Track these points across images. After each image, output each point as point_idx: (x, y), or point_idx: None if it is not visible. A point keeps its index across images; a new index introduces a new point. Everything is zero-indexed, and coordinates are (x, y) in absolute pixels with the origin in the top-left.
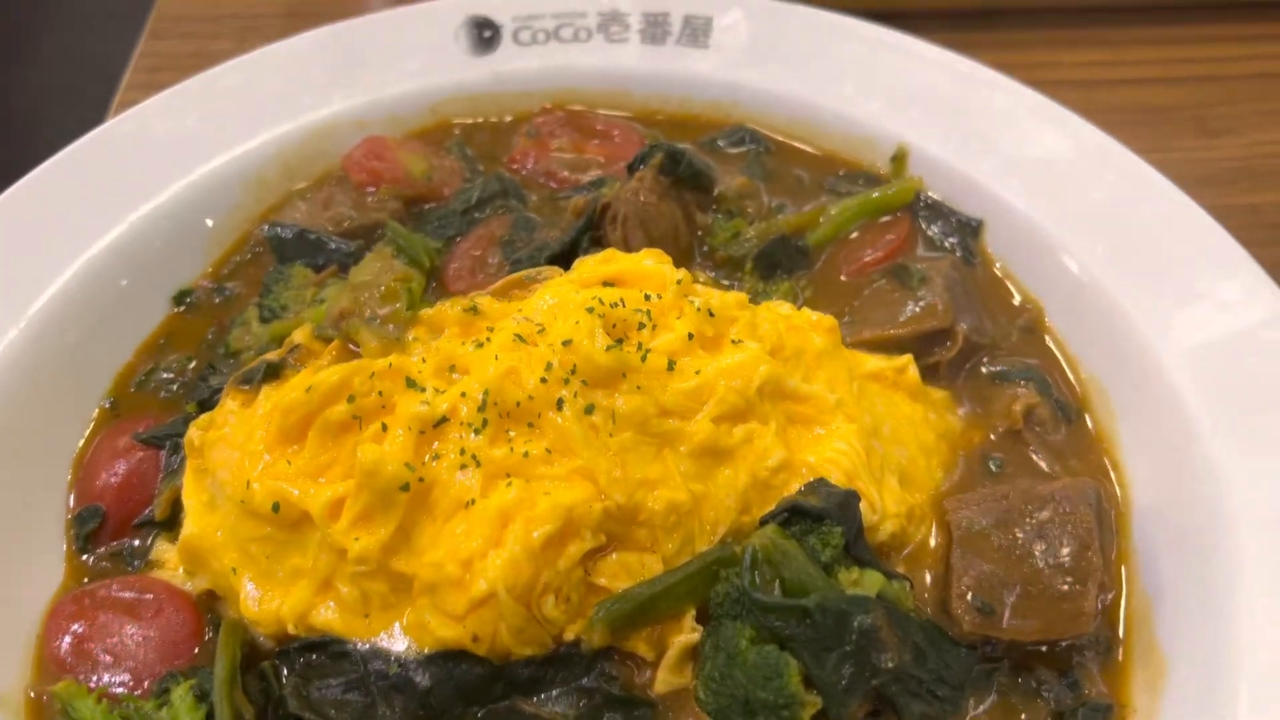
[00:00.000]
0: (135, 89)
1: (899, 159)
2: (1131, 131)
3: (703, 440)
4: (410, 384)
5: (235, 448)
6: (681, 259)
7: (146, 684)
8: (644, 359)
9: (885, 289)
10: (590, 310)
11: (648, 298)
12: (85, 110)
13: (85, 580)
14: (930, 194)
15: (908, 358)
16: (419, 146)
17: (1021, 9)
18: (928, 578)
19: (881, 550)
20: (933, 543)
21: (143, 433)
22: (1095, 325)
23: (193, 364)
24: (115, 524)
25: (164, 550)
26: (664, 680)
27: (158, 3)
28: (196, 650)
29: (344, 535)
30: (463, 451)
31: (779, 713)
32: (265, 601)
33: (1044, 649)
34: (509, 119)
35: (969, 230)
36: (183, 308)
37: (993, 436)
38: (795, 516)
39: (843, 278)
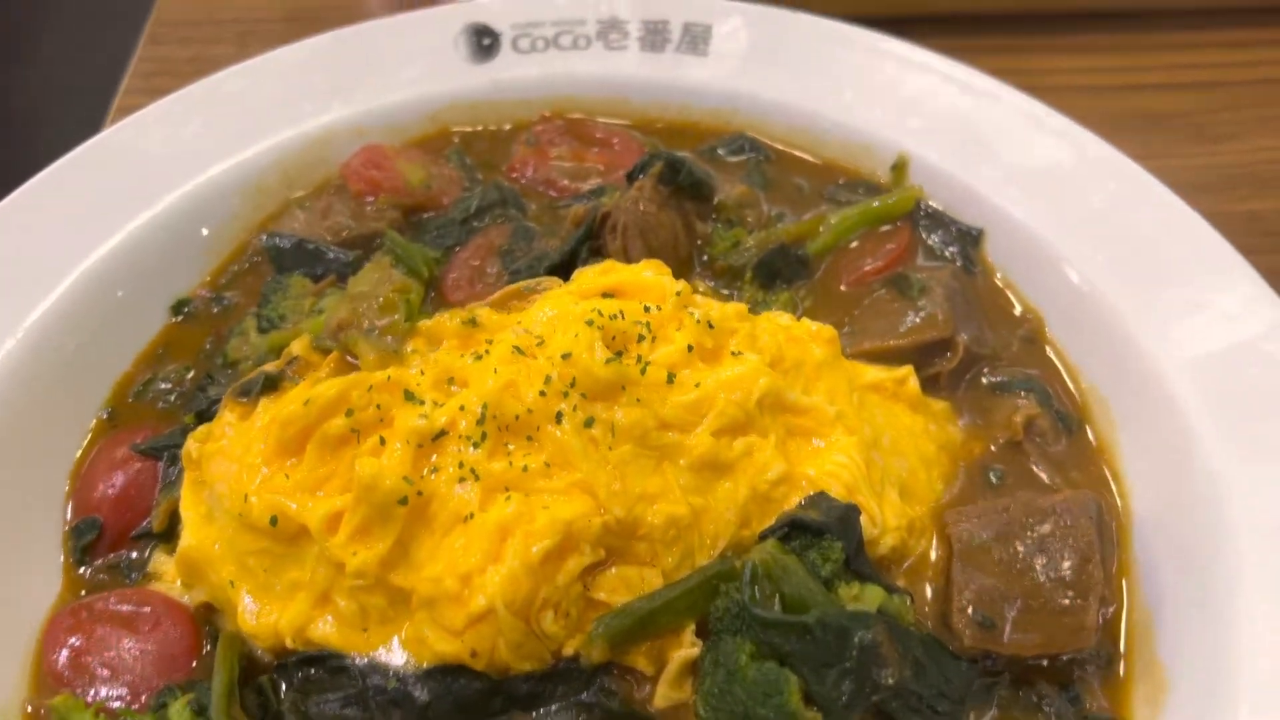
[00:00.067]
0: (133, 94)
1: (899, 167)
2: (1131, 138)
3: (702, 453)
4: (409, 397)
5: (233, 460)
6: (681, 268)
7: (144, 698)
8: (643, 371)
9: (885, 299)
10: (589, 323)
11: (647, 309)
12: (85, 111)
13: (83, 593)
14: (931, 203)
15: (908, 369)
16: (418, 155)
17: (1020, 14)
18: (928, 591)
19: (882, 563)
20: (933, 555)
21: (140, 444)
22: (1095, 335)
23: (191, 374)
24: (113, 536)
25: (162, 562)
26: (663, 695)
27: (156, 7)
28: (194, 664)
29: (342, 549)
30: (461, 465)
31: None
32: (263, 615)
33: (1045, 663)
34: (508, 127)
35: (969, 239)
36: (180, 318)
37: (993, 448)
38: (795, 531)
39: (843, 287)
